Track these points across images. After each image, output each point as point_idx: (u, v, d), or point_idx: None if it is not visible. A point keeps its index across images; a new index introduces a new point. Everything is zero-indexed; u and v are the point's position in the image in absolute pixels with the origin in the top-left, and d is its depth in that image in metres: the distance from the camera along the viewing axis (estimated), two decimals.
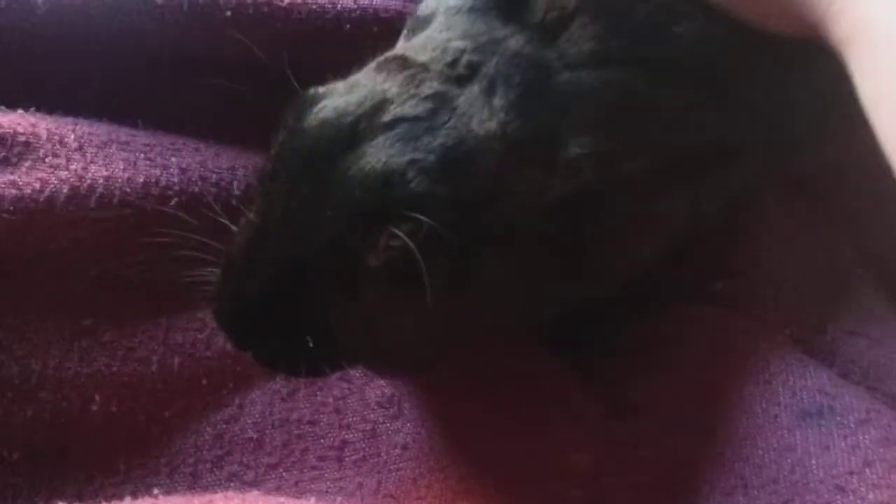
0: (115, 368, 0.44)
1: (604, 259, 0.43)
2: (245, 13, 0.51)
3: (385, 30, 0.51)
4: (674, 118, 0.39)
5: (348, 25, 0.53)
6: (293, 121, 0.38)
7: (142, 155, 0.47)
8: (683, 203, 0.44)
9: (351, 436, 0.46)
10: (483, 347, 0.47)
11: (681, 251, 0.46)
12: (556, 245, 0.40)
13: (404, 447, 0.46)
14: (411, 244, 0.34)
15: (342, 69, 0.43)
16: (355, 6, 0.54)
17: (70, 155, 0.45)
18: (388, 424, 0.47)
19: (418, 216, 0.35)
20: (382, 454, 0.46)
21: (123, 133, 0.48)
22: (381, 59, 0.41)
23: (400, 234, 0.35)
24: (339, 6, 0.53)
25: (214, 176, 0.49)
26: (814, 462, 0.41)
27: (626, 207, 0.41)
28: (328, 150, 0.37)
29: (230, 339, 0.39)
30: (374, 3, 0.55)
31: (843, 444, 0.41)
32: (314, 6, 0.53)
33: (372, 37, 0.51)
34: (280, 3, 0.52)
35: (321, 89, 0.40)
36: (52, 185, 0.43)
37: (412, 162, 0.36)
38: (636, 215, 0.42)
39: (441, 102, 0.38)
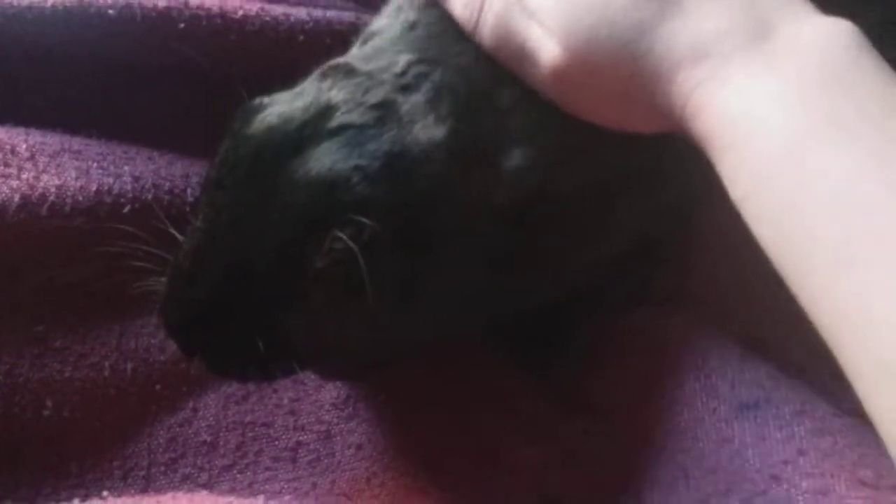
0: (67, 374, 0.45)
1: (548, 265, 0.44)
2: (199, 25, 0.52)
3: (338, 42, 0.52)
4: (614, 135, 0.40)
5: (302, 37, 0.54)
6: (238, 127, 0.39)
7: (94, 164, 0.48)
8: (626, 212, 0.45)
9: (305, 437, 0.47)
10: (434, 348, 0.48)
11: (625, 256, 0.47)
12: (501, 251, 0.41)
13: (358, 447, 0.47)
14: (353, 246, 0.35)
15: (296, 80, 0.43)
16: (308, 18, 0.55)
17: (22, 164, 0.45)
18: (343, 425, 0.48)
19: (360, 219, 0.35)
20: (337, 454, 0.47)
21: (76, 142, 0.49)
22: (325, 66, 0.42)
23: (343, 236, 0.35)
24: (292, 18, 0.54)
25: (168, 184, 0.50)
26: (750, 452, 0.43)
27: (569, 215, 0.42)
28: (273, 156, 0.37)
29: (178, 345, 0.40)
30: (327, 15, 0.56)
31: (778, 434, 0.43)
32: (268, 18, 0.54)
33: (325, 48, 0.52)
34: (234, 16, 0.52)
35: (266, 98, 0.40)
36: (4, 194, 0.43)
37: (357, 168, 0.37)
38: (580, 223, 0.43)
39: (387, 110, 0.39)
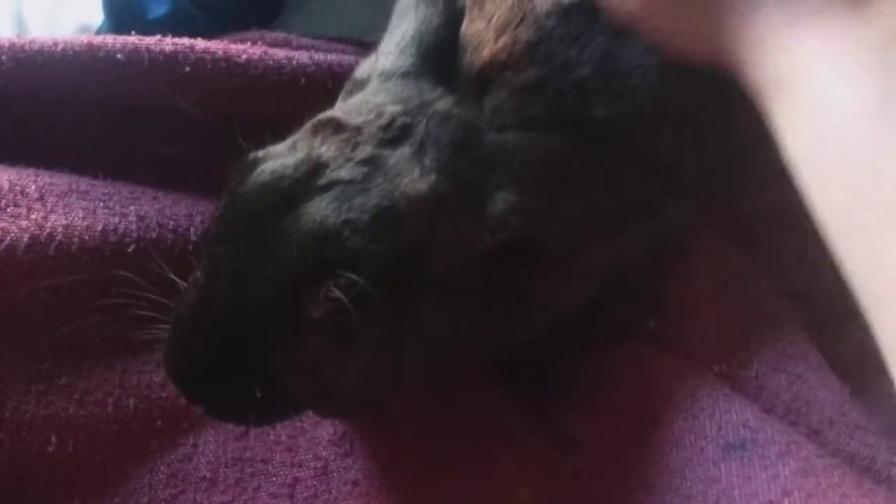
0: (71, 410, 0.46)
1: (532, 306, 0.45)
2: (204, 69, 0.53)
3: (339, 84, 0.53)
4: (595, 180, 0.41)
5: (304, 80, 0.56)
6: (234, 185, 0.40)
7: (101, 203, 0.49)
8: (606, 255, 0.46)
9: (302, 473, 0.48)
10: (428, 385, 0.49)
11: (607, 295, 0.49)
12: (487, 294, 0.42)
13: (355, 483, 0.48)
14: (344, 299, 0.36)
15: (297, 121, 0.44)
16: (310, 62, 0.57)
17: (31, 205, 0.47)
18: (340, 462, 0.49)
19: (350, 275, 0.37)
20: (333, 490, 0.48)
21: (83, 183, 0.50)
22: (316, 120, 0.43)
23: (335, 290, 0.37)
24: (294, 62, 0.56)
25: (172, 223, 0.51)
26: (737, 492, 0.44)
27: (551, 258, 0.43)
28: (267, 213, 0.39)
29: (182, 393, 0.41)
30: (328, 59, 0.58)
31: (763, 474, 0.44)
32: (271, 62, 0.55)
33: (327, 91, 0.53)
34: (238, 59, 0.54)
35: (260, 153, 0.42)
36: (13, 234, 0.45)
37: (347, 221, 0.38)
38: (561, 265, 0.45)
39: (375, 165, 0.40)
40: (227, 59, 0.54)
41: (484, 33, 0.46)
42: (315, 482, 0.48)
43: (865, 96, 0.31)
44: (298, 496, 0.47)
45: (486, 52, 0.46)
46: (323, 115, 0.43)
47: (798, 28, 0.33)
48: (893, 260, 0.29)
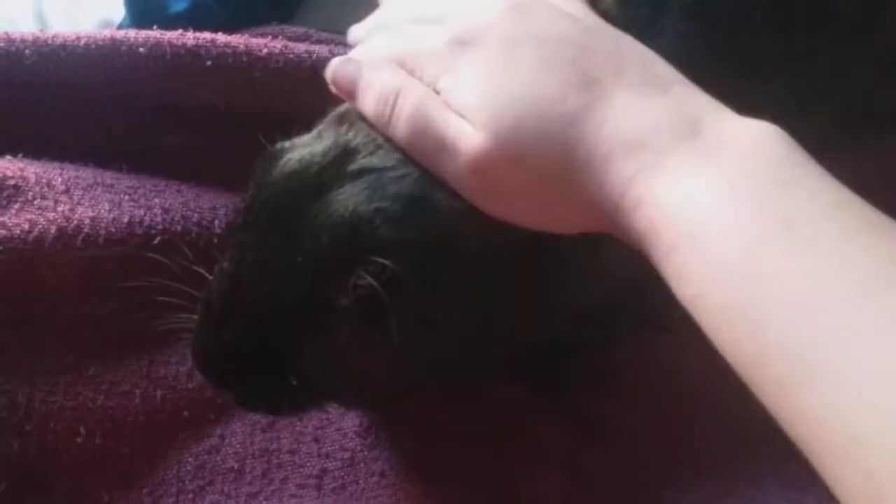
0: (99, 402, 0.46)
1: (556, 297, 0.45)
2: (225, 62, 0.53)
3: None
4: None
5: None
6: (261, 174, 0.40)
7: (126, 196, 0.49)
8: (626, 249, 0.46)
9: (330, 464, 0.48)
10: (451, 379, 0.49)
11: (632, 287, 0.48)
12: (513, 286, 0.42)
13: (381, 475, 0.48)
14: (376, 284, 0.36)
15: (318, 114, 0.44)
16: (330, 56, 0.56)
17: (57, 197, 0.47)
18: (366, 453, 0.49)
19: (382, 261, 0.36)
20: (360, 482, 0.48)
21: (108, 176, 0.50)
22: (341, 110, 0.43)
23: (367, 276, 0.36)
24: (315, 56, 0.56)
25: (196, 215, 0.51)
26: (770, 481, 0.44)
27: (575, 252, 0.43)
28: (296, 200, 0.38)
29: (210, 383, 0.41)
30: (347, 53, 0.58)
31: (794, 461, 0.44)
32: (291, 56, 0.55)
33: None
34: (259, 53, 0.54)
35: (287, 143, 0.41)
36: (41, 226, 0.45)
37: (379, 210, 0.37)
38: (585, 258, 0.44)
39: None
40: (249, 52, 0.54)
41: None
42: (342, 473, 0.48)
43: (738, 226, 0.30)
44: (326, 487, 0.47)
45: None
46: (348, 105, 0.43)
47: (654, 171, 0.32)
48: (809, 409, 0.27)
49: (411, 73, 0.38)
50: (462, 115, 0.36)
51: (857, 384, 0.26)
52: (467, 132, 0.35)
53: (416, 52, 0.38)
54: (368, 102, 0.39)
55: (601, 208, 0.34)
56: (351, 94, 0.40)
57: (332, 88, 0.42)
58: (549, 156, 0.34)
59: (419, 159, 0.38)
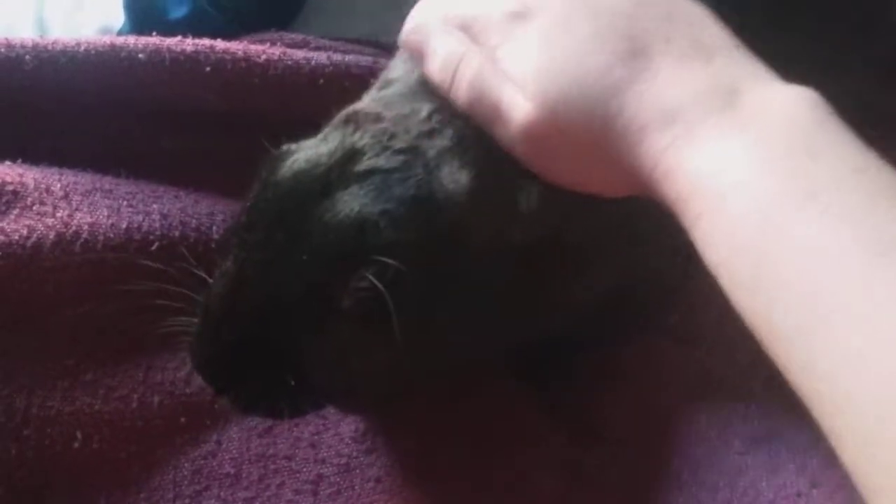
0: (96, 407, 0.46)
1: (558, 300, 0.45)
2: (224, 69, 0.54)
3: (356, 85, 0.53)
4: None
5: (322, 80, 0.56)
6: (266, 174, 0.40)
7: (125, 202, 0.49)
8: (628, 253, 0.46)
9: (326, 470, 0.48)
10: (450, 380, 0.49)
11: (631, 290, 0.49)
12: (515, 287, 0.42)
13: (377, 480, 0.48)
14: (379, 285, 0.36)
15: (316, 121, 0.45)
16: (328, 62, 0.57)
17: (56, 203, 0.47)
18: (363, 458, 0.48)
19: (386, 260, 0.37)
20: (356, 487, 0.47)
21: (107, 182, 0.50)
22: (348, 111, 0.43)
23: (369, 276, 0.36)
24: (313, 62, 0.56)
25: (194, 221, 0.51)
26: (764, 484, 0.44)
27: (579, 255, 0.43)
28: (301, 200, 0.39)
29: (210, 385, 0.41)
30: (346, 59, 0.58)
31: (791, 465, 0.44)
32: (290, 62, 0.56)
33: (344, 91, 0.54)
34: (257, 60, 0.54)
35: (293, 145, 0.42)
36: (39, 232, 0.45)
37: (384, 212, 0.38)
38: (589, 261, 0.45)
39: (413, 155, 0.40)
40: (247, 59, 0.54)
41: None
42: (339, 479, 0.48)
43: (761, 193, 0.31)
44: (322, 493, 0.47)
45: None
46: (354, 107, 0.43)
47: (686, 142, 0.33)
48: (827, 366, 0.27)
49: (474, 39, 0.40)
50: (516, 84, 0.37)
51: (874, 356, 0.26)
52: (519, 102, 0.37)
53: (479, 20, 0.40)
54: (434, 68, 0.41)
55: (638, 177, 0.35)
56: (420, 58, 0.42)
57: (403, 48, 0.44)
58: (591, 127, 0.36)
59: (479, 123, 0.39)
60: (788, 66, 0.35)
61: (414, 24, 0.43)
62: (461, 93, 0.39)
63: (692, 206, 0.33)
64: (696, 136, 0.33)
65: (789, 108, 0.33)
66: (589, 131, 0.36)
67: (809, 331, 0.28)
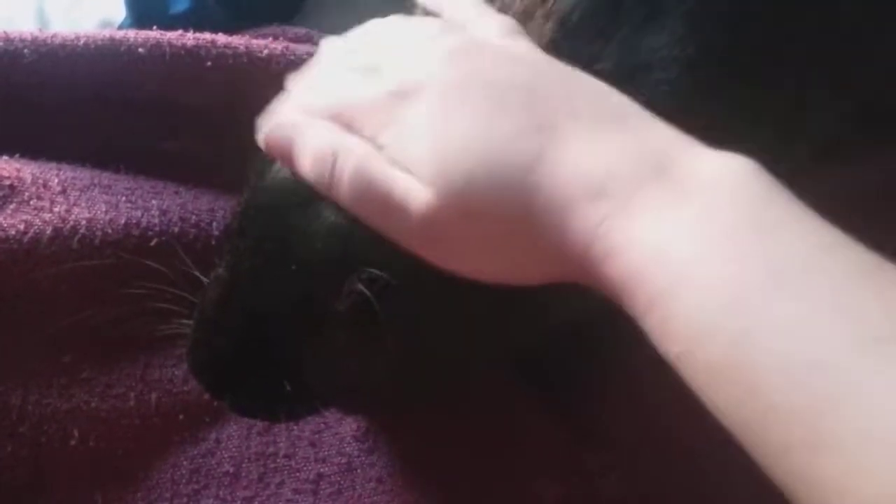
0: (93, 404, 0.45)
1: (550, 304, 0.44)
2: (225, 63, 0.53)
3: None
4: None
5: None
6: (255, 179, 0.39)
7: (123, 198, 0.49)
8: None
9: (326, 469, 0.47)
10: (452, 382, 0.48)
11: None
12: (506, 291, 0.42)
13: (378, 480, 0.47)
14: (368, 293, 0.35)
15: None
16: None
17: (54, 198, 0.47)
18: (364, 458, 0.48)
19: (374, 271, 0.36)
20: (357, 487, 0.47)
21: (105, 177, 0.50)
22: None
23: (359, 285, 0.36)
24: None
25: (194, 217, 0.51)
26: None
27: None
28: (289, 207, 0.37)
29: (207, 390, 0.41)
30: None
31: None
32: (292, 57, 0.55)
33: None
34: (259, 55, 0.54)
35: None
36: (36, 227, 0.45)
37: None
38: None
39: None
40: (249, 54, 0.54)
41: None
42: (339, 478, 0.47)
43: (722, 275, 0.27)
44: (322, 492, 0.47)
45: None
46: None
47: (622, 218, 0.30)
48: (814, 477, 0.24)
49: (348, 128, 0.35)
50: (408, 171, 0.33)
51: (866, 451, 0.23)
52: (414, 189, 0.32)
53: (352, 106, 0.35)
54: (306, 166, 0.35)
55: (566, 258, 0.31)
56: (288, 160, 0.36)
57: (267, 154, 0.38)
58: (505, 207, 0.32)
59: (367, 222, 0.35)
60: (790, 72, 0.33)
61: (274, 123, 0.37)
62: (343, 189, 0.34)
63: (641, 293, 0.29)
64: (633, 211, 0.30)
65: (732, 178, 0.29)
66: (501, 214, 0.32)
67: (806, 442, 0.24)
